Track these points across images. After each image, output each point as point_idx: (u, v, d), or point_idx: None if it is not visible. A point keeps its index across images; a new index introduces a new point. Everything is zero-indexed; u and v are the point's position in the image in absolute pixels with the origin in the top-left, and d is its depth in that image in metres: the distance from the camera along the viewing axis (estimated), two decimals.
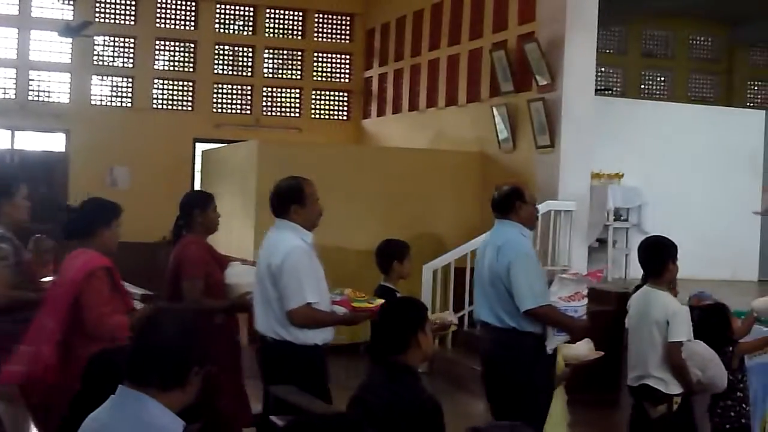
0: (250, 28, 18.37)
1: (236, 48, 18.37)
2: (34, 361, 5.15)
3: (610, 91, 18.15)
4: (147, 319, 3.24)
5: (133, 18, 17.46)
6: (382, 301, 5.81)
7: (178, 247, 6.67)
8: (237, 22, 18.49)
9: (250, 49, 18.30)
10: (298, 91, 18.62)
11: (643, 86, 19.48)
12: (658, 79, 19.72)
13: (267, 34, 18.48)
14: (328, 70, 18.93)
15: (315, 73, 18.76)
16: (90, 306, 5.26)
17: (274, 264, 5.77)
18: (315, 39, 18.58)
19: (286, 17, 18.55)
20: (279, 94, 18.64)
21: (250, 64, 18.33)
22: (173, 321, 3.20)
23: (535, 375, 6.13)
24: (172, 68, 18.15)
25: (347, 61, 18.76)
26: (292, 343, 5.79)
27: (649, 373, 6.23)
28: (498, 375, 6.23)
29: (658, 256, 6.42)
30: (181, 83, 17.92)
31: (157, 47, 17.77)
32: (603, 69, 18.35)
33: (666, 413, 6.21)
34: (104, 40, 17.55)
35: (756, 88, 20.21)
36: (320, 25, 18.62)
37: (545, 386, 6.25)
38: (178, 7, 17.78)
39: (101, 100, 17.56)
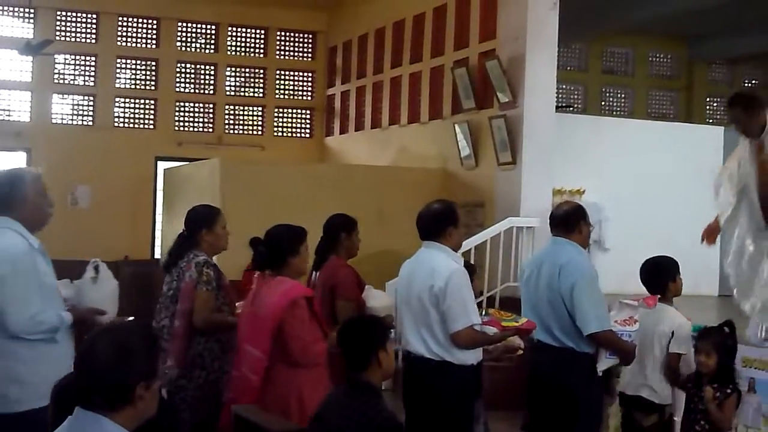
0: (212, 46, 18.35)
1: (198, 66, 18.35)
2: (243, 387, 5.34)
3: (571, 108, 18.26)
4: (86, 342, 3.20)
5: (94, 36, 17.40)
6: (526, 319, 5.94)
7: (327, 269, 6.92)
8: (199, 40, 18.46)
9: (212, 67, 18.28)
10: (260, 108, 18.61)
11: (603, 103, 19.62)
12: (619, 95, 19.87)
13: (229, 52, 18.46)
14: (291, 87, 18.95)
15: (277, 91, 18.77)
16: (295, 336, 5.38)
17: (437, 286, 5.75)
18: (277, 57, 18.59)
19: (248, 35, 18.55)
20: (241, 112, 18.63)
21: (212, 82, 18.32)
22: (107, 342, 3.17)
23: (590, 395, 6.10)
24: (133, 86, 18.10)
25: (309, 79, 18.78)
26: (452, 364, 5.79)
27: (645, 383, 6.36)
28: (551, 393, 6.11)
29: (657, 276, 6.54)
30: (142, 101, 17.87)
31: (118, 65, 17.72)
32: (564, 86, 18.49)
33: (657, 422, 6.36)
34: (65, 59, 17.48)
35: (715, 104, 20.39)
36: (282, 42, 18.63)
37: (597, 406, 6.22)
38: (140, 25, 17.73)
39: (62, 119, 17.48)
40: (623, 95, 19.85)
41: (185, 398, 6.02)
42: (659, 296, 6.44)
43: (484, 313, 6.04)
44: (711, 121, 19.68)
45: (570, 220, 6.27)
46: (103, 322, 5.36)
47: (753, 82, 20.59)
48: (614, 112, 19.52)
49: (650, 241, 12.19)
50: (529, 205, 11.95)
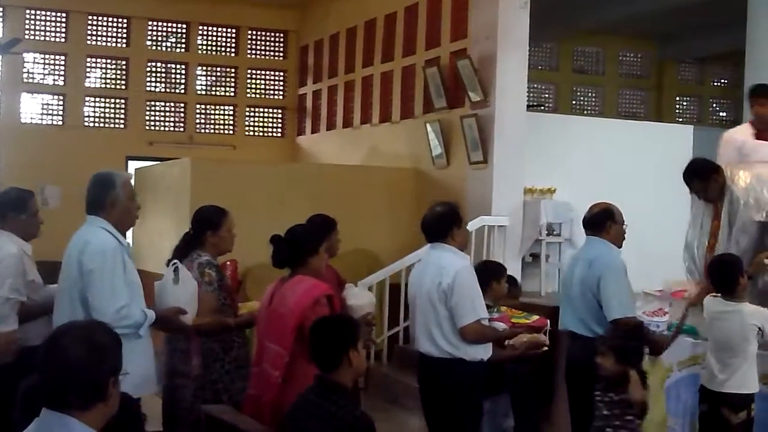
0: (183, 45, 18.30)
1: (169, 65, 18.29)
2: (265, 383, 5.44)
3: (542, 107, 18.30)
4: (48, 343, 3.17)
5: (63, 35, 17.31)
6: (538, 317, 6.36)
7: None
8: (169, 39, 18.41)
9: (183, 66, 18.24)
10: (231, 108, 18.58)
11: (574, 102, 19.69)
12: (589, 95, 19.94)
13: (200, 51, 18.42)
14: (262, 87, 18.93)
15: (249, 90, 18.74)
16: None
17: (445, 283, 6.04)
18: (248, 56, 18.56)
19: (219, 34, 18.51)
20: (213, 112, 18.59)
21: (183, 81, 18.27)
22: (75, 340, 3.14)
23: None
24: (103, 86, 18.03)
25: (281, 78, 18.76)
26: (463, 360, 6.07)
27: (733, 379, 6.45)
28: (582, 378, 6.29)
29: (727, 274, 6.69)
30: (113, 101, 17.80)
31: (88, 64, 17.64)
32: (535, 85, 18.54)
33: (746, 420, 6.47)
34: (34, 58, 17.39)
35: (684, 103, 20.51)
36: (253, 41, 18.60)
37: None
38: (110, 24, 17.65)
39: (32, 118, 17.38)
40: (594, 94, 19.92)
41: (185, 397, 6.03)
42: (728, 294, 6.59)
43: (496, 310, 6.22)
44: (681, 120, 19.79)
45: (598, 221, 6.85)
46: (186, 322, 5.72)
47: (722, 81, 20.74)
48: (585, 111, 19.59)
49: None
50: (500, 204, 11.98)
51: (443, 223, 6.31)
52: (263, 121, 18.81)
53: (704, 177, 7.89)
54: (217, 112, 18.64)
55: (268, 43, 18.69)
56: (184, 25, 18.15)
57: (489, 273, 7.12)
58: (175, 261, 5.94)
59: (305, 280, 5.63)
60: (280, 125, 18.79)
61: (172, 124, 18.18)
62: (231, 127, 18.56)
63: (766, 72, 13.04)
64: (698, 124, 17.38)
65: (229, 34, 18.51)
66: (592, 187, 13.04)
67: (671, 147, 13.97)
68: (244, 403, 5.67)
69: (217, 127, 18.59)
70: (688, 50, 19.39)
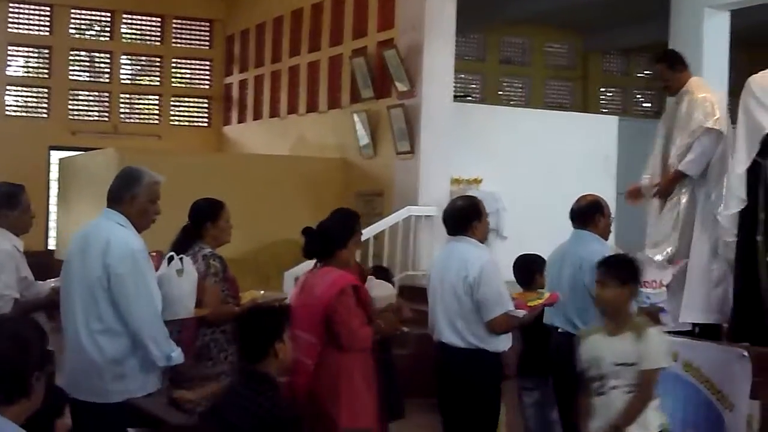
0: (108, 34, 18.08)
1: (93, 54, 18.07)
2: (298, 371, 5.48)
3: (469, 98, 18.37)
4: None
5: None
6: (548, 293, 6.30)
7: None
8: (94, 28, 18.19)
9: (108, 55, 18.02)
10: (157, 97, 18.41)
11: (501, 93, 19.76)
12: (516, 85, 20.04)
13: (125, 40, 18.22)
14: (188, 76, 18.79)
15: (174, 80, 18.59)
16: (344, 321, 5.65)
17: (471, 276, 6.10)
18: (174, 45, 18.40)
19: (144, 23, 18.34)
20: (138, 101, 18.41)
21: (107, 70, 18.06)
22: (1, 333, 3.12)
23: None
24: (26, 74, 17.76)
25: (207, 68, 18.63)
26: (486, 351, 6.14)
27: None
28: (573, 375, 6.12)
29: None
30: (35, 90, 17.55)
31: (9, 52, 17.35)
32: (462, 76, 18.57)
33: None
34: None
35: (609, 94, 20.71)
36: (179, 30, 18.45)
37: None
38: (32, 11, 17.39)
39: None
40: (520, 85, 20.03)
41: (190, 389, 6.00)
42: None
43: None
44: (606, 110, 19.98)
45: (586, 214, 6.72)
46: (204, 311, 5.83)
47: (646, 72, 20.97)
48: (512, 102, 19.69)
49: (546, 229, 12.32)
50: (427, 193, 12.02)
51: (464, 217, 6.36)
52: (189, 111, 18.68)
53: (672, 64, 7.85)
54: (142, 101, 18.47)
55: (193, 33, 18.55)
56: (109, 14, 17.93)
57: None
58: (180, 254, 5.92)
59: (333, 271, 5.82)
60: (206, 115, 18.67)
61: (96, 113, 17.97)
62: (156, 117, 18.40)
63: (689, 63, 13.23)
64: (623, 115, 17.56)
65: (154, 23, 18.33)
66: (518, 177, 13.17)
67: (596, 137, 14.14)
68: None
69: (142, 116, 18.43)
70: (613, 42, 19.57)
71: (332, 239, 5.96)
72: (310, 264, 6.20)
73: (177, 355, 5.33)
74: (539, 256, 7.28)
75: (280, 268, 11.11)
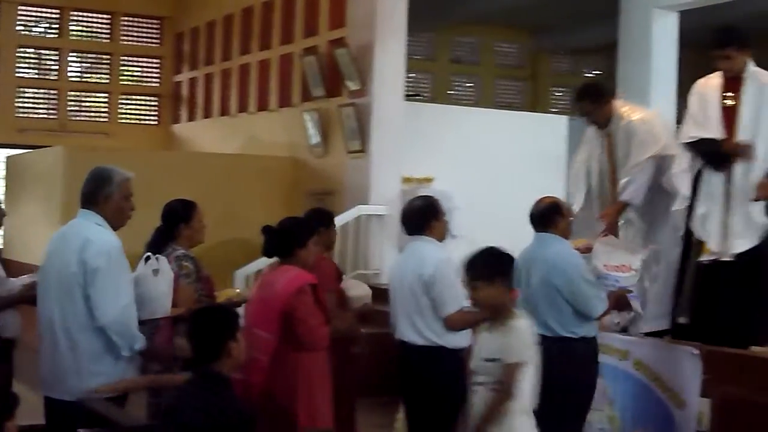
0: (56, 31, 17.90)
1: (40, 51, 17.89)
2: (253, 369, 5.52)
3: (419, 97, 18.39)
4: None
5: None
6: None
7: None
8: (41, 24, 17.99)
9: (56, 52, 17.85)
10: (105, 95, 18.25)
11: (451, 92, 19.80)
12: (466, 85, 20.09)
13: (73, 37, 18.05)
14: (137, 74, 18.64)
15: (123, 77, 18.44)
16: (302, 319, 5.75)
17: (427, 274, 6.18)
18: (123, 42, 18.24)
19: (93, 20, 18.16)
20: (86, 99, 18.24)
21: (55, 67, 17.88)
22: None
23: (591, 376, 6.50)
24: None
25: (156, 65, 18.49)
26: (445, 347, 6.20)
27: None
28: (554, 380, 5.89)
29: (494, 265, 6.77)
30: None
31: None
32: (413, 75, 18.59)
33: None
34: None
35: (559, 94, 20.81)
36: (128, 28, 18.29)
37: (593, 386, 6.55)
38: None
39: None
40: (471, 84, 20.08)
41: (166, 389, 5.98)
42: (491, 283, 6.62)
43: None
44: (555, 110, 20.07)
45: (546, 216, 6.67)
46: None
47: (595, 72, 21.10)
48: (462, 101, 19.73)
49: (497, 228, 12.36)
50: (378, 193, 12.03)
51: (422, 216, 6.44)
52: (138, 109, 18.53)
53: (595, 98, 7.96)
54: (90, 99, 18.30)
55: (143, 30, 18.40)
56: (57, 11, 17.75)
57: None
58: (156, 255, 5.95)
59: (290, 270, 5.88)
60: (155, 113, 18.53)
61: (44, 111, 17.79)
62: (105, 115, 18.24)
63: (638, 64, 13.35)
64: (572, 115, 17.66)
65: (103, 20, 18.17)
66: (469, 176, 13.21)
67: (546, 137, 14.23)
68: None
69: (90, 114, 18.25)
70: (563, 41, 19.67)
71: (290, 238, 6.00)
72: (263, 262, 6.26)
73: (139, 345, 5.33)
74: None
75: (230, 267, 11.09)
